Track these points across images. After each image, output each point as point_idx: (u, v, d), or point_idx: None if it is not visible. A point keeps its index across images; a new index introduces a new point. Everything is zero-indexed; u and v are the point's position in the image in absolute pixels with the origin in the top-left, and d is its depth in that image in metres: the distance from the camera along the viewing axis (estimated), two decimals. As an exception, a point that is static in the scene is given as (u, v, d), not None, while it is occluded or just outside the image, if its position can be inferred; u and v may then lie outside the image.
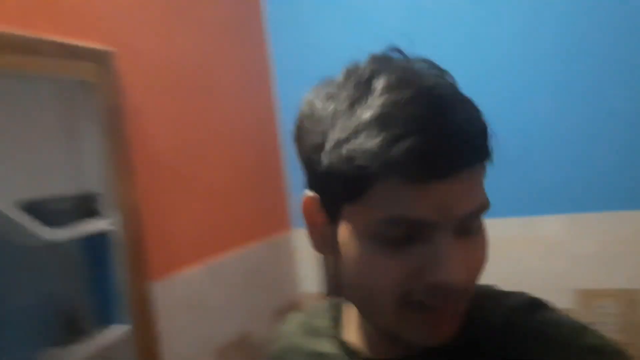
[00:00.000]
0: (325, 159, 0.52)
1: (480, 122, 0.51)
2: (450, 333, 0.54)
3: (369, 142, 0.48)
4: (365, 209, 0.51)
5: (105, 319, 1.60)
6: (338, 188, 0.53)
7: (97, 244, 1.60)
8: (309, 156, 0.56)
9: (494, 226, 2.45)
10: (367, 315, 0.59)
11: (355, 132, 0.49)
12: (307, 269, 2.88)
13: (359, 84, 0.52)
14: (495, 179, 2.39)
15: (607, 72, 2.33)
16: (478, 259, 0.54)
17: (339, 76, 0.56)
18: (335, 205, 0.55)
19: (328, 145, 0.52)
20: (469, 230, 0.53)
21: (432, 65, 0.55)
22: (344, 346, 0.67)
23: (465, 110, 0.50)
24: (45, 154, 1.54)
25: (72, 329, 1.51)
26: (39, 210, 1.38)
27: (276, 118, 2.89)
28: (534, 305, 0.60)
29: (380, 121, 0.48)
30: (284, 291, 2.73)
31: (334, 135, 0.51)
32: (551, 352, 0.54)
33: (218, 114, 2.35)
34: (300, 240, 2.87)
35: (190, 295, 1.98)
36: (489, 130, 0.52)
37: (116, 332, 1.58)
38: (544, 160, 2.44)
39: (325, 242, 0.59)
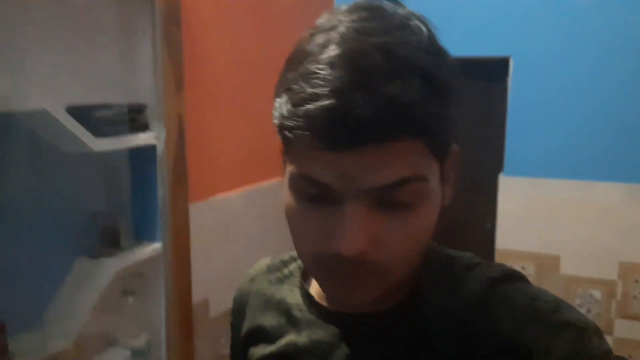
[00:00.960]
0: (274, 106, 0.54)
1: (409, 96, 0.47)
2: (365, 298, 0.54)
3: (291, 98, 0.49)
4: (290, 162, 0.54)
5: (141, 234, 1.57)
6: (280, 136, 0.55)
7: (141, 157, 1.55)
8: (274, 95, 0.56)
9: (547, 186, 2.38)
10: (304, 264, 0.60)
11: (289, 85, 0.50)
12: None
13: (321, 34, 0.51)
14: (555, 139, 2.34)
15: None
16: (402, 236, 0.51)
17: (323, 17, 0.55)
18: (283, 153, 0.57)
19: (277, 92, 0.54)
20: (393, 204, 0.50)
21: (411, 19, 0.52)
22: (308, 296, 0.66)
23: (396, 82, 0.47)
24: (99, 62, 1.45)
25: (108, 242, 1.48)
26: (88, 117, 1.32)
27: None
28: (511, 277, 0.60)
29: (307, 78, 0.48)
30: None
31: (282, 84, 0.53)
32: (526, 323, 0.54)
33: (275, 41, 2.22)
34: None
35: (225, 220, 1.95)
36: (424, 106, 0.48)
37: (151, 249, 1.55)
38: (607, 125, 2.31)
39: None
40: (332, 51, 0.49)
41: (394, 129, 0.47)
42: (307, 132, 0.48)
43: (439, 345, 0.57)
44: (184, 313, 1.65)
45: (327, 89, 0.47)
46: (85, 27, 1.42)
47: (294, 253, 0.72)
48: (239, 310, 0.76)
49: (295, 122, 0.49)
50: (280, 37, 2.29)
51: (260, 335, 0.70)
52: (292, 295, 0.69)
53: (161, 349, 1.59)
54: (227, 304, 2.03)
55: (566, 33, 2.33)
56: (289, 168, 0.54)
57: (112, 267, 1.44)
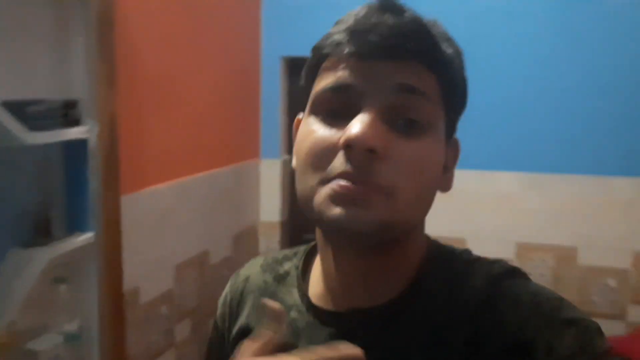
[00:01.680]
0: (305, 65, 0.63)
1: (427, 32, 0.57)
2: (370, 219, 0.54)
3: (326, 35, 0.59)
4: (315, 86, 0.60)
5: (74, 225, 1.63)
6: (307, 77, 0.62)
7: (74, 151, 1.60)
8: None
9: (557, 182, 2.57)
10: (304, 206, 0.59)
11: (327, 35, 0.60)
12: (271, 199, 2.95)
13: (368, 6, 0.60)
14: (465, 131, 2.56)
15: (583, 38, 2.44)
16: (408, 159, 0.55)
17: None
18: (305, 99, 0.62)
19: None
20: (399, 127, 0.56)
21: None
22: (306, 297, 0.67)
23: (416, 18, 0.57)
24: (33, 58, 1.50)
25: (41, 232, 1.53)
26: (21, 111, 1.37)
27: (260, 45, 2.85)
28: (512, 274, 0.61)
29: (340, 21, 0.59)
30: (245, 217, 2.80)
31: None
32: (529, 320, 0.55)
33: (205, 39, 2.31)
34: (268, 171, 2.92)
35: (156, 211, 2.02)
36: (441, 46, 0.58)
37: (83, 239, 1.61)
38: (511, 118, 2.55)
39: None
40: (364, 6, 0.59)
41: (415, 49, 0.56)
42: (345, 39, 0.56)
43: (443, 342, 0.58)
44: (115, 300, 1.72)
45: (362, 16, 0.57)
46: (20, 25, 1.46)
47: (288, 252, 0.76)
48: (230, 310, 0.75)
49: (334, 37, 0.58)
50: (211, 35, 2.37)
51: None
52: (290, 296, 0.69)
53: (94, 334, 1.66)
54: (157, 291, 2.12)
55: (521, 27, 2.53)
56: (312, 96, 0.60)
57: (44, 256, 1.49)
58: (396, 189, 0.54)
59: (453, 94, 0.60)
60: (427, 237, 0.67)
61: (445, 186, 0.64)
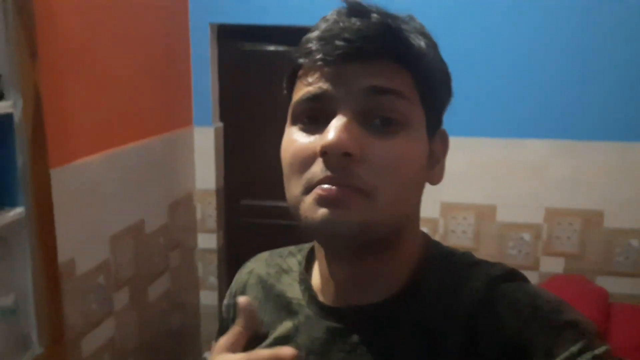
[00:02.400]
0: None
1: (396, 27, 0.58)
2: (352, 220, 0.55)
3: (300, 43, 0.60)
4: (294, 96, 0.61)
5: (3, 201, 1.62)
6: (287, 87, 0.63)
7: (-3, 126, 1.58)
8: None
9: (481, 144, 2.69)
10: (293, 214, 0.60)
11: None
12: (206, 166, 2.97)
13: (338, 10, 0.61)
14: (488, 99, 2.63)
15: (593, 17, 2.53)
16: (385, 158, 0.56)
17: None
18: (288, 107, 0.64)
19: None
20: (375, 126, 0.57)
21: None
22: (308, 291, 0.68)
23: (384, 15, 0.58)
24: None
25: (-32, 208, 1.52)
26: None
27: (188, 12, 2.83)
28: (512, 276, 0.62)
29: (313, 28, 0.60)
30: (179, 186, 2.82)
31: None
32: (527, 322, 0.55)
33: (130, 4, 2.27)
34: (201, 138, 2.94)
35: (88, 183, 2.02)
36: (412, 40, 0.59)
37: (13, 214, 1.61)
38: (534, 87, 2.63)
39: None
40: (334, 10, 0.60)
41: (383, 46, 0.56)
42: (313, 47, 0.57)
43: (440, 342, 0.58)
44: (50, 272, 1.73)
45: (331, 22, 0.58)
46: None
47: (292, 248, 0.77)
48: (234, 301, 0.75)
49: (304, 46, 0.59)
50: (134, 4, 2.34)
51: (260, 328, 0.69)
52: (291, 289, 0.70)
53: (30, 307, 1.67)
54: (93, 262, 2.14)
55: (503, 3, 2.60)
56: (292, 105, 0.61)
57: (-27, 232, 1.49)
58: (376, 190, 0.55)
59: (430, 87, 0.60)
60: (426, 237, 0.68)
61: (435, 179, 0.65)
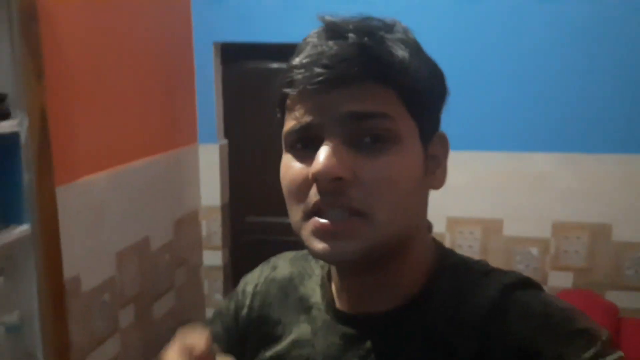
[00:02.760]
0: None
1: (375, 46, 0.57)
2: (352, 248, 0.56)
3: (284, 69, 0.60)
4: (285, 125, 0.61)
5: (9, 218, 1.63)
6: (279, 113, 0.63)
7: (4, 145, 1.60)
8: None
9: (487, 158, 2.69)
10: (298, 237, 0.62)
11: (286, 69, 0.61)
12: (211, 183, 2.99)
13: (317, 32, 0.61)
14: (495, 113, 2.63)
15: (607, 24, 2.53)
16: (377, 177, 0.56)
17: None
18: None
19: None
20: (365, 145, 0.57)
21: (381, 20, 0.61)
22: (327, 297, 0.69)
23: (368, 35, 0.57)
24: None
25: (-25, 226, 1.54)
26: (-53, 107, 1.36)
27: (192, 32, 2.86)
28: (525, 284, 0.62)
29: (296, 52, 0.60)
30: (185, 203, 2.83)
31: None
32: (540, 330, 0.55)
33: (134, 24, 2.30)
34: (206, 155, 2.95)
35: (93, 201, 2.04)
36: (394, 57, 0.57)
37: (19, 231, 1.62)
38: (541, 101, 2.63)
39: None
40: (314, 32, 0.60)
41: (363, 69, 0.56)
42: (293, 77, 0.58)
43: (452, 350, 0.59)
44: (55, 289, 1.74)
45: (310, 48, 0.58)
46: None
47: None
48: (254, 290, 0.77)
49: (286, 77, 0.59)
50: (140, 22, 2.37)
51: (275, 326, 0.72)
52: (313, 294, 0.71)
53: (35, 324, 1.68)
54: (99, 279, 2.14)
55: (502, 18, 2.61)
56: (284, 135, 0.61)
57: (-21, 250, 1.50)
58: (373, 210, 0.56)
59: (417, 98, 0.59)
60: (439, 245, 0.68)
61: (436, 183, 0.64)
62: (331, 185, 0.55)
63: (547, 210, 2.71)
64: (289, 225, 0.62)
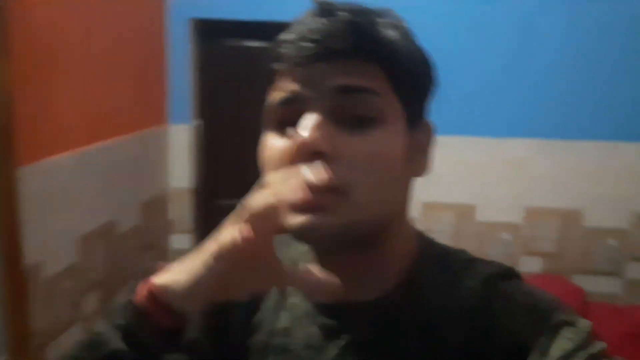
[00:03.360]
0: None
1: (364, 23, 0.57)
2: (331, 223, 0.54)
3: (272, 45, 0.60)
4: (269, 101, 0.60)
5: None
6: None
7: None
8: None
9: (461, 143, 2.65)
10: None
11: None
12: (181, 165, 2.91)
13: (309, 12, 0.60)
14: (468, 98, 2.58)
15: (580, 13, 2.53)
16: (359, 154, 0.55)
17: None
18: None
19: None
20: (349, 120, 0.56)
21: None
22: None
23: (359, 14, 0.57)
24: None
25: None
26: None
27: (166, 7, 2.76)
28: (508, 274, 0.62)
29: (285, 31, 0.59)
30: (154, 185, 2.75)
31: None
32: (524, 321, 0.56)
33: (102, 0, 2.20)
34: (176, 136, 2.87)
35: (56, 183, 1.94)
36: (381, 34, 0.58)
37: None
38: (516, 86, 2.62)
39: None
40: (307, 12, 0.59)
41: (351, 45, 0.56)
42: (281, 50, 0.58)
43: (437, 340, 0.59)
44: (15, 276, 1.66)
45: (299, 24, 0.58)
46: None
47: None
48: None
49: (274, 50, 0.59)
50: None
51: (254, 312, 0.69)
52: None
53: (-6, 311, 1.60)
54: (61, 265, 2.06)
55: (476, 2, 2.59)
56: (267, 108, 0.60)
57: None
58: (351, 187, 0.55)
59: (405, 80, 0.59)
60: (419, 234, 0.67)
61: (419, 171, 0.63)
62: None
63: (520, 196, 2.73)
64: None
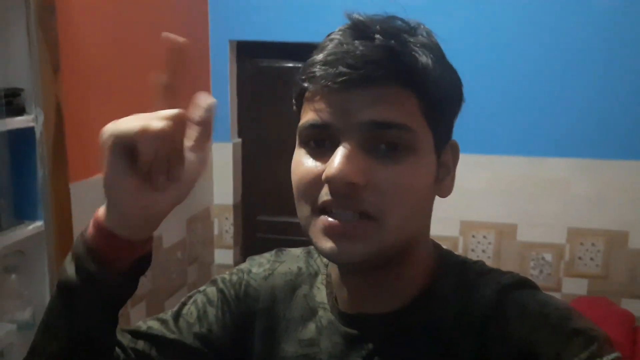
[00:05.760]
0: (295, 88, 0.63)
1: (401, 49, 0.56)
2: (360, 251, 0.56)
3: (305, 63, 0.60)
4: (301, 118, 0.60)
5: (22, 214, 1.62)
6: (296, 106, 0.63)
7: (19, 140, 1.59)
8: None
9: (502, 163, 2.65)
10: (305, 233, 0.62)
11: (305, 65, 0.60)
12: (223, 182, 2.97)
13: (342, 30, 0.60)
14: (511, 117, 2.59)
15: (619, 34, 2.50)
16: (390, 183, 0.56)
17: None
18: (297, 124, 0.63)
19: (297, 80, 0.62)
20: (381, 151, 0.56)
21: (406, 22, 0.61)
22: (332, 295, 0.68)
23: (389, 37, 0.57)
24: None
25: (-11, 222, 1.53)
26: (-37, 102, 1.36)
27: (208, 29, 2.85)
28: (522, 284, 0.63)
29: (318, 48, 0.59)
30: (197, 201, 2.82)
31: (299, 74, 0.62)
32: (537, 330, 0.56)
33: (152, 19, 2.29)
34: (219, 154, 2.94)
35: (107, 198, 2.02)
36: (418, 60, 0.57)
37: (32, 228, 1.61)
38: (558, 106, 2.60)
39: None
40: (339, 29, 0.59)
41: (387, 73, 0.55)
42: (314, 73, 0.57)
43: (452, 350, 0.60)
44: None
45: (333, 46, 0.57)
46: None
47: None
48: (264, 276, 0.74)
49: (306, 72, 0.59)
50: (157, 18, 2.36)
51: (279, 322, 0.70)
52: (318, 292, 0.70)
53: (46, 321, 1.67)
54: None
55: (517, 22, 2.59)
56: (299, 128, 0.61)
57: (-7, 245, 1.49)
58: (383, 215, 0.56)
59: (437, 106, 0.59)
60: (438, 246, 0.68)
61: (444, 191, 0.64)
62: (344, 189, 0.55)
63: (562, 216, 2.67)
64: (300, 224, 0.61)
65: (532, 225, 2.71)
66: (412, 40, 0.58)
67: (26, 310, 1.61)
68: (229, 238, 3.02)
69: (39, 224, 1.63)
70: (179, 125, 0.55)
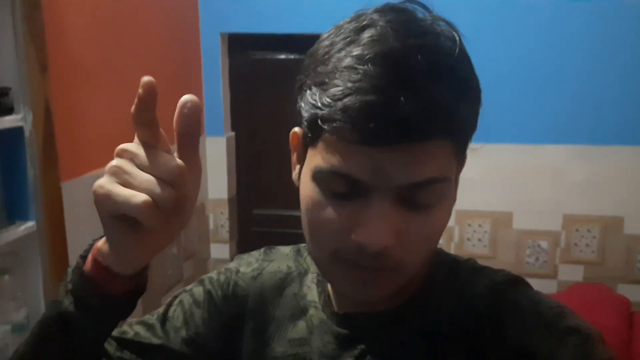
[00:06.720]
0: (301, 99, 0.54)
1: (448, 98, 0.49)
2: (379, 295, 0.56)
3: (327, 91, 0.49)
4: (316, 155, 0.53)
5: (14, 215, 1.61)
6: (305, 129, 0.54)
7: (9, 140, 1.57)
8: (298, 89, 0.56)
9: (497, 151, 2.64)
10: (317, 265, 0.60)
11: (322, 79, 0.51)
12: (217, 176, 2.96)
13: (352, 31, 0.51)
14: (505, 105, 2.57)
15: (612, 20, 2.50)
16: (421, 235, 0.53)
17: (348, 18, 0.54)
18: (305, 144, 0.56)
19: (305, 86, 0.54)
20: (415, 203, 0.52)
21: (440, 24, 0.54)
22: (324, 294, 0.67)
23: (436, 84, 0.48)
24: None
25: (-21, 223, 1.52)
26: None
27: (199, 22, 2.83)
28: (515, 282, 0.62)
29: (343, 73, 0.49)
30: (191, 196, 2.80)
31: (311, 78, 0.53)
32: (530, 328, 0.55)
33: (140, 14, 2.27)
34: (212, 149, 2.92)
35: (99, 196, 2.01)
36: (459, 108, 0.50)
37: (24, 228, 1.60)
38: (552, 92, 2.60)
39: (297, 177, 0.60)
40: (372, 48, 0.49)
41: (432, 129, 0.49)
42: (346, 124, 0.48)
43: (447, 346, 0.59)
44: (62, 286, 1.72)
45: (369, 84, 0.47)
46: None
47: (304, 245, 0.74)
48: (252, 275, 0.73)
49: (334, 114, 0.48)
50: (146, 12, 2.34)
51: (269, 322, 0.69)
52: (309, 292, 0.69)
53: (41, 321, 1.66)
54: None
55: (518, 9, 2.57)
56: (314, 161, 0.53)
57: (-16, 247, 1.48)
58: (405, 262, 0.54)
59: (467, 144, 0.56)
60: None
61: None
62: (376, 251, 0.51)
63: (558, 203, 2.68)
64: (296, 217, 0.60)
65: (527, 212, 2.71)
66: (454, 75, 0.51)
67: (20, 311, 1.60)
68: (224, 232, 3.01)
69: (31, 224, 1.61)
70: (184, 179, 0.49)
